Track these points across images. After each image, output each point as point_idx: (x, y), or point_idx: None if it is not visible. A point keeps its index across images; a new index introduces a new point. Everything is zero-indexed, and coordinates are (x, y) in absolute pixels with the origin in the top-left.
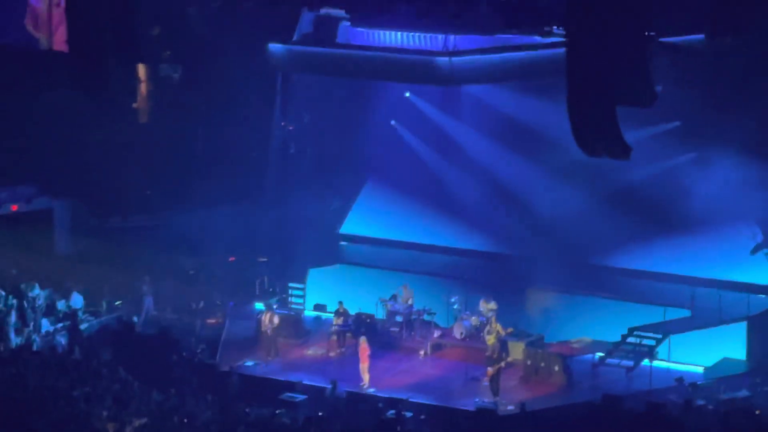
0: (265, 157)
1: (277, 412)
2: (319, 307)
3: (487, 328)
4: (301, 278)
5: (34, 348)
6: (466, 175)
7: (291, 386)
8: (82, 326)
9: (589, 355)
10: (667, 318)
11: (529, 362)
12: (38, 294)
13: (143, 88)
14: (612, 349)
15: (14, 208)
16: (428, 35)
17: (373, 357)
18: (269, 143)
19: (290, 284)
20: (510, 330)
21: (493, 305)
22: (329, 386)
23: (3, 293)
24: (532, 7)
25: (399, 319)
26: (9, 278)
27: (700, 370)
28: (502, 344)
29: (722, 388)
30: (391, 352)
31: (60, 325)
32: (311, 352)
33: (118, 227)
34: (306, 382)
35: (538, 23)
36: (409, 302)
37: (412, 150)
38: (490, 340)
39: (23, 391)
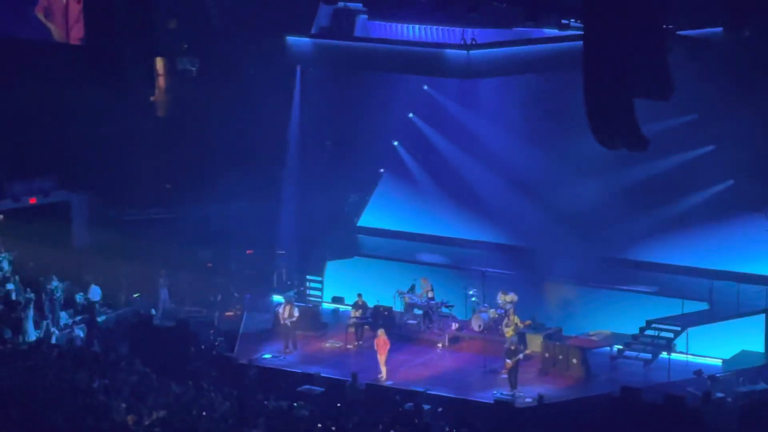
0: (282, 150)
1: (295, 404)
2: (336, 300)
3: (506, 320)
4: (319, 271)
5: (53, 341)
6: (484, 167)
7: (309, 379)
8: (100, 319)
9: (608, 348)
10: (686, 311)
11: (547, 355)
12: (56, 287)
13: (161, 81)
14: (630, 341)
15: (32, 201)
16: (446, 28)
17: (391, 349)
18: (287, 136)
19: (308, 277)
20: (528, 322)
21: (511, 297)
22: (347, 379)
23: (21, 286)
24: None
25: (417, 311)
26: (27, 271)
27: (718, 362)
28: (521, 337)
29: (741, 380)
30: (409, 345)
31: (78, 317)
32: (329, 344)
33: (136, 220)
34: (324, 374)
35: (556, 16)
36: (429, 295)
37: (429, 142)
38: (509, 332)
39: (42, 383)
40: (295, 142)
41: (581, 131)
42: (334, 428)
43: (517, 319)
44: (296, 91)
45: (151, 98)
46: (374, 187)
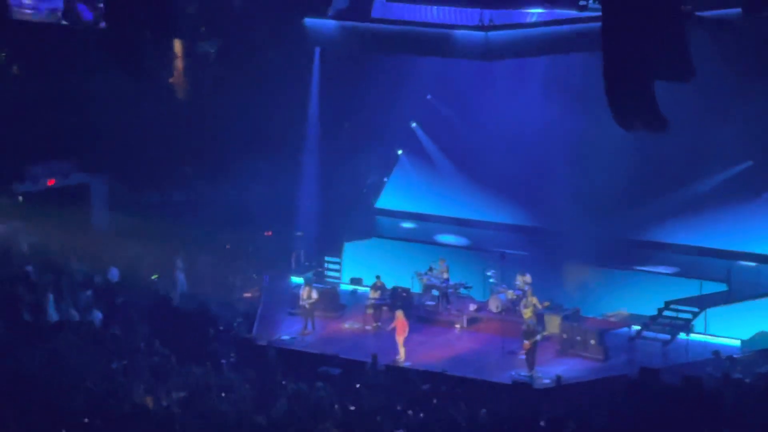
0: (301, 132)
1: (314, 385)
2: (355, 281)
3: (524, 301)
4: (338, 252)
5: (72, 323)
6: (502, 148)
7: (328, 360)
8: (119, 301)
9: (626, 329)
10: (704, 291)
11: (565, 336)
12: (75, 269)
13: (180, 64)
14: (649, 322)
15: (51, 183)
16: (463, 10)
17: (409, 331)
18: (305, 118)
19: (326, 258)
20: (547, 303)
21: (528, 278)
22: (366, 360)
23: (41, 268)
24: None
25: (435, 293)
26: (47, 253)
27: (737, 343)
28: (539, 318)
29: (759, 361)
30: (428, 326)
31: (97, 299)
32: (348, 325)
33: (156, 202)
34: (342, 355)
35: None
36: (444, 276)
37: (447, 124)
38: (527, 313)
39: (61, 365)
40: (313, 124)
41: (600, 112)
42: (353, 408)
43: (535, 300)
44: (315, 72)
45: (170, 81)
46: (392, 168)
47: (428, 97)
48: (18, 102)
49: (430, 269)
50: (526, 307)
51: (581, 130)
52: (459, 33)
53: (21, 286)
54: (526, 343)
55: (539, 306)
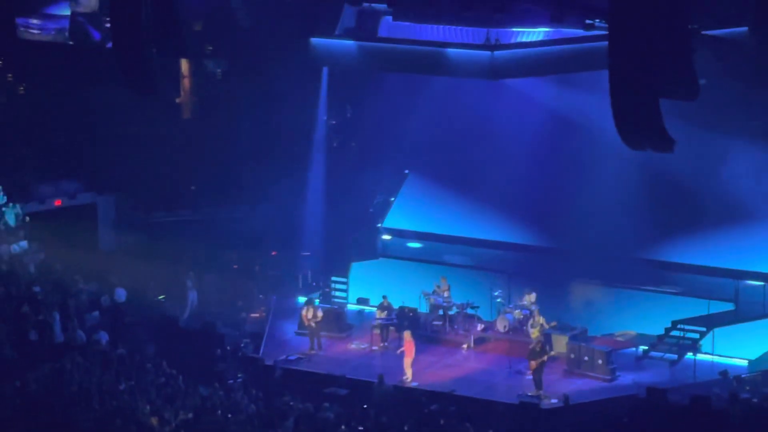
0: (308, 151)
1: (321, 406)
2: (361, 301)
3: (531, 321)
4: (344, 272)
5: (78, 343)
6: (509, 168)
7: (335, 380)
8: (126, 321)
9: (633, 349)
10: (711, 311)
11: (572, 355)
12: (82, 289)
13: (186, 83)
14: (656, 342)
15: (58, 203)
16: (470, 29)
17: (416, 351)
18: (312, 138)
19: (333, 278)
20: (554, 323)
21: (533, 297)
22: (373, 380)
23: (47, 288)
24: (575, 0)
25: (442, 312)
26: (53, 273)
27: (744, 363)
28: (546, 338)
29: (767, 381)
30: (435, 346)
31: (104, 320)
32: (354, 346)
33: (162, 222)
34: (349, 376)
35: (581, 17)
36: (445, 294)
37: (454, 143)
38: (535, 333)
39: (67, 385)
40: (320, 143)
41: (607, 132)
42: (361, 429)
43: (542, 320)
44: (322, 92)
45: (177, 100)
46: (399, 188)
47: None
48: (25, 122)
49: (436, 289)
50: (533, 327)
51: (588, 149)
52: (465, 52)
53: (27, 306)
54: (533, 362)
55: (546, 326)
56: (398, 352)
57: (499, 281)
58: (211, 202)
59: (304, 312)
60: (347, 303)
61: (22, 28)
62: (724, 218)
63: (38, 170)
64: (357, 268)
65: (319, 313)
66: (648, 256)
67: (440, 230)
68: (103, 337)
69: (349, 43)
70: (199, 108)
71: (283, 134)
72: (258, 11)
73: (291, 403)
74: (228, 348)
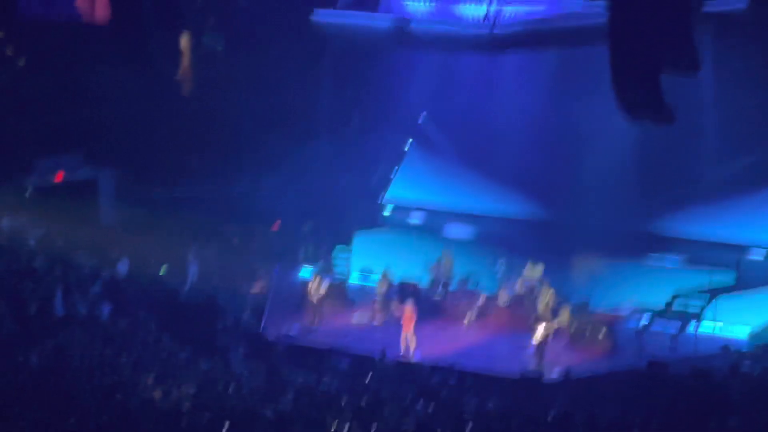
0: (310, 124)
1: (322, 379)
2: (364, 275)
3: (541, 297)
4: (346, 245)
5: (79, 318)
6: (510, 141)
7: (336, 354)
8: (127, 295)
9: (634, 322)
10: (713, 283)
11: (574, 328)
12: (83, 263)
13: (186, 59)
14: (657, 315)
15: (59, 178)
16: (470, 4)
17: (417, 324)
18: (314, 111)
19: (335, 252)
20: (564, 306)
21: (538, 271)
22: (374, 353)
23: (48, 263)
24: None
25: (443, 286)
26: (54, 248)
27: (745, 336)
28: (551, 311)
29: None
30: (436, 319)
31: (105, 294)
32: (356, 319)
33: (163, 197)
34: (351, 349)
35: None
36: (448, 269)
37: (455, 117)
38: (542, 307)
39: (69, 360)
40: (321, 116)
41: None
42: (363, 403)
43: (551, 294)
44: (323, 66)
45: (177, 75)
46: (401, 160)
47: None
48: (25, 97)
49: (438, 263)
50: (542, 302)
51: (589, 122)
52: (465, 27)
53: (28, 281)
54: (535, 336)
55: (554, 301)
56: (398, 318)
57: (501, 254)
58: (212, 176)
59: (309, 285)
60: (349, 276)
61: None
62: (726, 191)
63: (39, 145)
64: (359, 242)
65: (323, 287)
66: (650, 229)
67: (442, 203)
68: (105, 311)
69: (350, 18)
70: (200, 83)
71: (283, 108)
72: None
73: (292, 377)
74: (229, 322)
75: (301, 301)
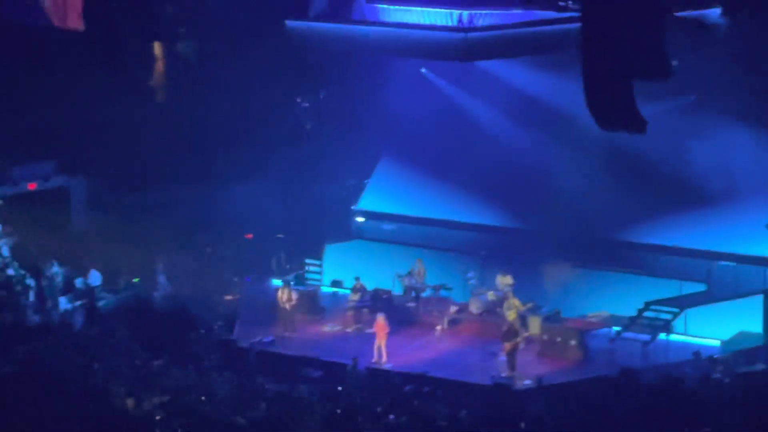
0: (281, 134)
1: (295, 387)
2: (336, 283)
3: (506, 303)
4: (318, 254)
5: (52, 326)
6: (482, 150)
7: (308, 362)
8: (100, 303)
9: (606, 330)
10: (684, 292)
11: (545, 337)
12: (56, 272)
13: (159, 65)
14: (629, 323)
15: (32, 186)
16: (443, 11)
17: (390, 332)
18: (286, 119)
19: (307, 260)
20: (530, 305)
21: (509, 280)
22: (347, 362)
23: (21, 271)
24: None
25: (415, 294)
26: (27, 256)
27: (717, 343)
28: (520, 319)
29: (739, 361)
30: (408, 328)
31: (77, 302)
32: (328, 328)
33: (135, 204)
34: (323, 358)
35: None
36: (421, 277)
37: (427, 125)
38: (511, 315)
39: (41, 368)
40: (294, 124)
41: (579, 113)
42: (338, 411)
43: (517, 302)
44: (296, 73)
45: (150, 82)
46: (372, 170)
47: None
48: None
49: (411, 271)
50: (508, 309)
51: (560, 131)
52: (438, 34)
53: (1, 289)
54: (507, 344)
55: (522, 308)
56: (368, 331)
57: (472, 263)
58: (185, 185)
59: (279, 294)
60: (321, 285)
61: None
62: (697, 200)
63: (11, 153)
64: (331, 251)
65: (294, 296)
66: (621, 237)
67: (414, 212)
68: (77, 319)
69: (323, 26)
70: (172, 90)
71: (256, 116)
72: None
73: (265, 385)
74: (202, 330)
75: (273, 310)
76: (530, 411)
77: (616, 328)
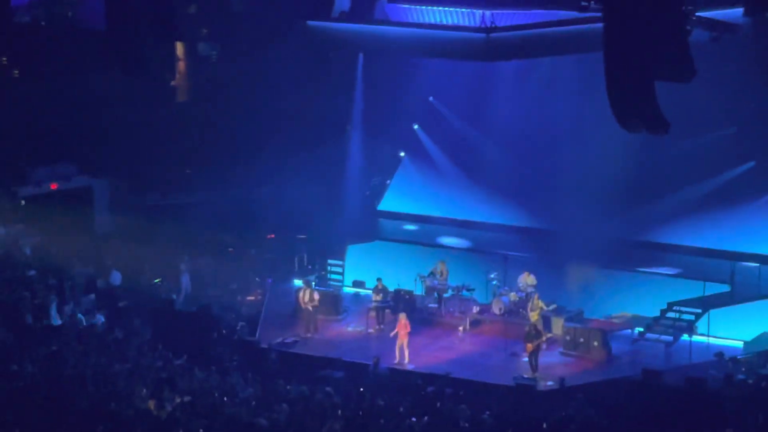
0: (304, 134)
1: (317, 388)
2: (357, 284)
3: (530, 304)
4: (340, 255)
5: (74, 327)
6: (505, 150)
7: (330, 363)
8: (122, 304)
9: (629, 330)
10: (707, 293)
11: (568, 338)
12: (78, 272)
13: (181, 66)
14: (651, 324)
15: (54, 186)
16: (465, 11)
17: (412, 333)
18: (308, 120)
19: (329, 261)
20: (554, 306)
21: (532, 280)
22: (369, 363)
23: (43, 272)
24: None
25: (437, 295)
26: (49, 257)
27: (739, 344)
28: (543, 320)
29: (762, 362)
30: (430, 329)
31: (100, 303)
32: (350, 329)
33: (157, 205)
34: (345, 358)
35: None
36: (443, 277)
37: (449, 126)
38: (534, 316)
39: (64, 369)
40: (316, 126)
41: (603, 113)
42: (360, 412)
43: (542, 303)
44: (319, 74)
45: (172, 83)
46: (395, 170)
47: (430, 99)
48: (20, 105)
49: (433, 272)
50: (532, 310)
51: (583, 130)
52: (461, 34)
53: (24, 290)
54: (529, 345)
55: (545, 308)
56: (391, 335)
57: (494, 263)
58: (207, 186)
59: (300, 295)
60: (343, 286)
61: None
62: (720, 200)
63: (33, 154)
64: (353, 251)
65: (316, 296)
66: (644, 237)
67: (436, 212)
68: (99, 320)
69: (345, 26)
70: (194, 91)
71: (277, 117)
72: None
73: (287, 386)
74: (224, 331)
75: (295, 311)
76: (553, 412)
77: (638, 329)
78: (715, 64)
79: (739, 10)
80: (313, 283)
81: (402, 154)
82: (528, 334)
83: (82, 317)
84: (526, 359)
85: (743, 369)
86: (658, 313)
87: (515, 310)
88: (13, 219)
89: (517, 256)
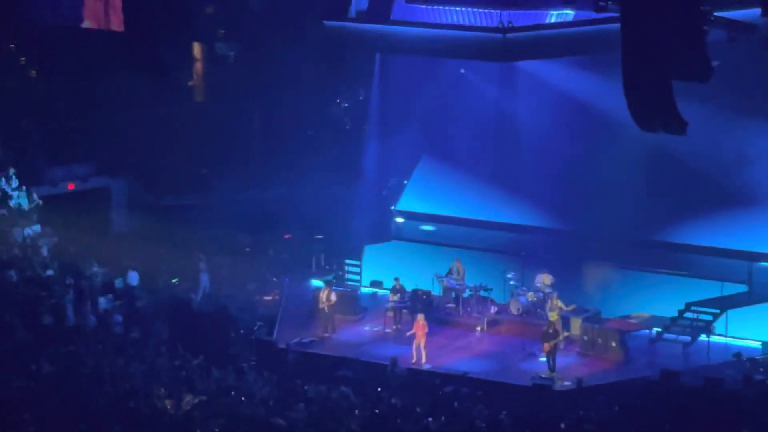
0: (320, 134)
1: (335, 388)
2: (375, 284)
3: (549, 304)
4: (357, 255)
5: (92, 326)
6: (522, 150)
7: (347, 363)
8: (139, 304)
9: (647, 331)
10: (725, 293)
11: (586, 338)
12: (95, 272)
13: (198, 66)
14: (669, 324)
15: (71, 186)
16: (483, 12)
17: (429, 333)
18: (325, 121)
19: (346, 261)
20: (573, 307)
21: (549, 280)
22: (387, 363)
23: (61, 272)
24: None
25: (455, 295)
26: (67, 257)
27: (758, 345)
28: (561, 320)
29: None
30: (448, 329)
31: (117, 303)
32: (367, 328)
33: (175, 205)
34: (362, 358)
35: None
36: (460, 277)
37: (466, 126)
38: (553, 316)
39: (81, 369)
40: (333, 126)
41: (619, 113)
42: (377, 412)
43: (561, 303)
44: (334, 75)
45: (189, 84)
46: (412, 170)
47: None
48: (37, 106)
49: (450, 271)
50: (551, 310)
51: (601, 131)
52: (478, 35)
53: (41, 290)
54: (547, 345)
55: (565, 309)
56: (408, 334)
57: (512, 264)
58: (224, 185)
59: (318, 294)
60: (360, 286)
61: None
62: (738, 200)
63: (51, 154)
64: (370, 251)
65: (333, 296)
66: (661, 238)
67: (453, 213)
68: (117, 320)
69: (363, 26)
70: (212, 91)
71: (294, 117)
72: None
73: (304, 386)
74: (241, 331)
75: (312, 311)
76: (570, 412)
77: (656, 329)
78: (732, 63)
79: (757, 11)
80: (331, 283)
81: (422, 149)
82: (545, 333)
83: (95, 317)
84: (544, 359)
85: (762, 369)
86: (675, 314)
87: (533, 310)
88: (31, 219)
89: (534, 256)
